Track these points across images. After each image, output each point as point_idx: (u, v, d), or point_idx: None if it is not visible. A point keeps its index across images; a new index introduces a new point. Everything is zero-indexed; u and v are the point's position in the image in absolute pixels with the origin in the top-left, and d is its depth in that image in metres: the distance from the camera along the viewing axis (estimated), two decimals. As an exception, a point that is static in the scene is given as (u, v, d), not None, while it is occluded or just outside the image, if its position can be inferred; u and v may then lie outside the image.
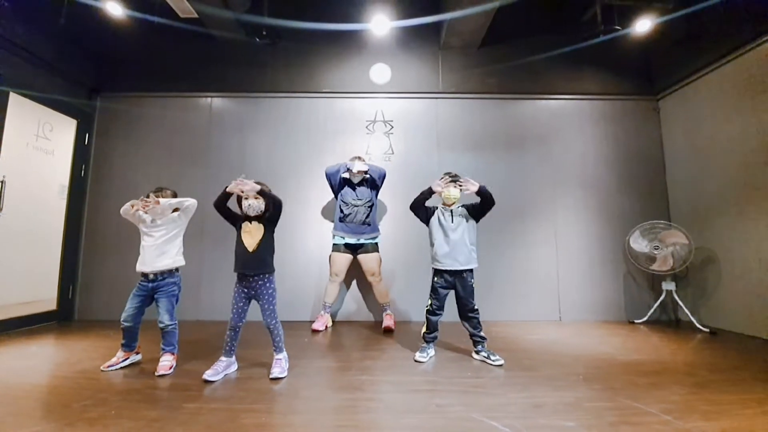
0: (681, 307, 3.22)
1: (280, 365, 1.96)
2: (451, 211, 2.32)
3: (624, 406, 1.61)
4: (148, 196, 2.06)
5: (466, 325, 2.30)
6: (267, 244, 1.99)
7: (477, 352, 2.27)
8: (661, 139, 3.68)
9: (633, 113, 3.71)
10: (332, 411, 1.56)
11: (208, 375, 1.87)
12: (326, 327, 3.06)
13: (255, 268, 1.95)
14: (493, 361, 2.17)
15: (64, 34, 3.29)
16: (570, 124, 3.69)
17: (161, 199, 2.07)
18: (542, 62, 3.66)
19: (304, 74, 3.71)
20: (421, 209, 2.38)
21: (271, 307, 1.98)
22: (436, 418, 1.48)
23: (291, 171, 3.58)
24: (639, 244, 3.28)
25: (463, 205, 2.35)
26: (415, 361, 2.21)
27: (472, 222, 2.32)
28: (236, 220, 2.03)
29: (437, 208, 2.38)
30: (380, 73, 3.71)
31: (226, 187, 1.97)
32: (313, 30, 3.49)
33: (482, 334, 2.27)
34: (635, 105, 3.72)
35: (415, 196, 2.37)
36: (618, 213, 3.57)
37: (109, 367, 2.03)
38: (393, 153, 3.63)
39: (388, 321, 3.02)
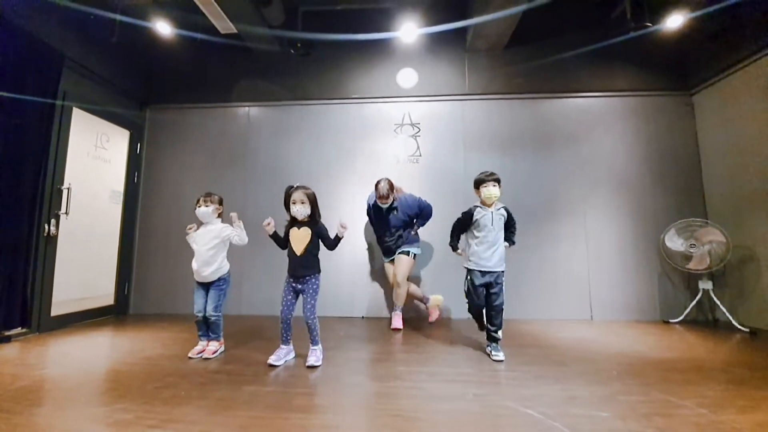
0: (718, 306, 3.15)
1: (315, 354, 2.14)
2: (492, 213, 2.28)
3: (658, 399, 1.65)
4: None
5: (491, 318, 2.30)
6: (313, 248, 2.16)
7: (487, 346, 2.31)
8: (696, 134, 3.59)
9: (665, 109, 3.64)
10: (375, 396, 1.69)
11: (272, 360, 2.10)
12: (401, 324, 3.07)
13: (302, 269, 2.13)
14: (494, 356, 2.20)
15: (117, 52, 3.60)
16: (599, 122, 3.67)
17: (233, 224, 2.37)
18: (570, 60, 3.65)
19: (335, 81, 3.88)
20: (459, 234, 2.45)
21: (313, 302, 2.14)
22: (473, 406, 1.58)
23: (322, 173, 3.75)
24: (674, 242, 3.23)
25: (504, 207, 2.33)
26: (495, 361, 2.18)
27: (503, 225, 2.33)
28: (286, 236, 2.20)
29: (475, 208, 2.33)
30: (407, 77, 3.82)
31: (268, 234, 2.18)
32: (343, 40, 3.65)
33: (499, 334, 2.27)
34: (667, 101, 3.65)
35: (451, 230, 2.47)
36: (651, 211, 3.52)
37: (198, 354, 2.27)
38: (420, 155, 3.74)
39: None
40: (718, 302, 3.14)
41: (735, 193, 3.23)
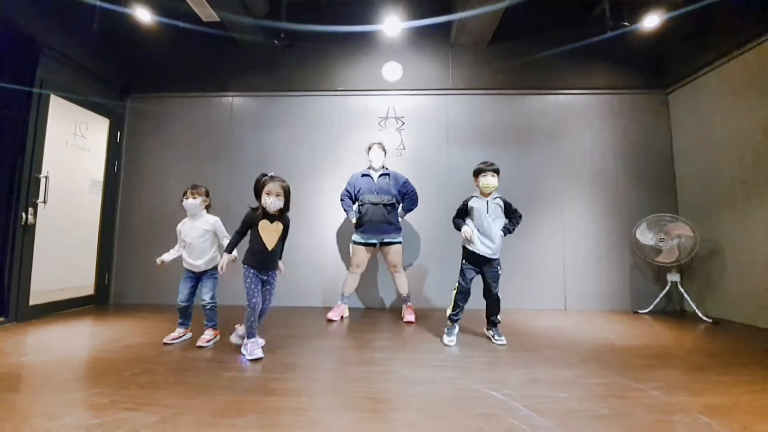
0: (685, 298, 3.30)
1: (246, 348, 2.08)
2: (487, 202, 2.37)
3: (616, 383, 1.75)
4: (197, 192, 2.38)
5: (488, 306, 2.44)
6: (282, 243, 2.18)
7: (487, 329, 2.47)
8: (670, 132, 3.72)
9: (642, 107, 3.76)
10: (350, 380, 1.75)
11: (257, 354, 2.02)
12: (342, 317, 3.07)
13: (272, 264, 2.13)
14: (496, 340, 2.36)
15: (97, 40, 3.53)
16: (578, 118, 3.76)
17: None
18: (551, 58, 3.73)
19: (320, 73, 3.88)
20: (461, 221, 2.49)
21: (273, 291, 2.19)
22: (443, 388, 1.66)
23: (307, 165, 3.77)
24: (645, 236, 3.36)
25: (501, 198, 2.42)
26: (444, 344, 2.31)
27: (503, 216, 2.40)
28: (250, 225, 2.11)
29: (472, 197, 2.43)
30: (392, 71, 3.85)
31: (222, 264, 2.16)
32: (328, 32, 3.64)
33: (498, 318, 2.43)
34: (644, 99, 3.76)
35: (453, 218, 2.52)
36: (625, 206, 3.65)
37: (173, 341, 2.31)
38: (404, 148, 3.78)
39: (409, 315, 3.00)
40: (685, 294, 3.29)
41: (705, 189, 3.37)
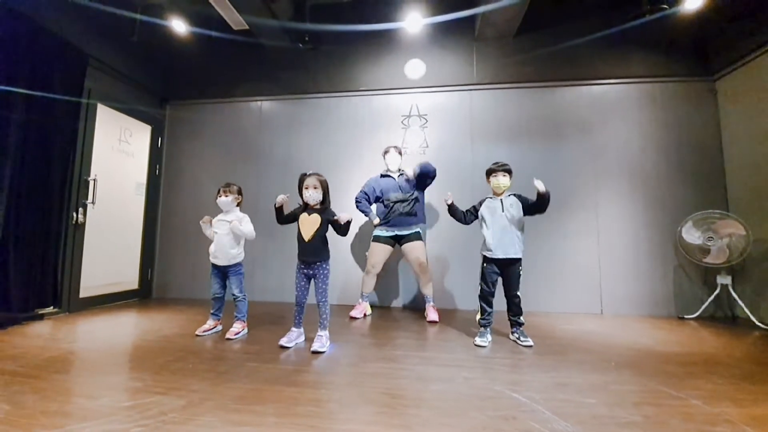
0: (737, 302, 3.02)
1: (320, 341, 2.16)
2: (501, 200, 2.38)
3: (652, 390, 1.63)
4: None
5: (509, 307, 2.39)
6: (321, 234, 2.19)
7: (512, 333, 2.40)
8: (719, 122, 3.42)
9: (686, 96, 3.48)
10: (368, 376, 1.76)
11: (283, 341, 2.19)
12: (365, 315, 3.13)
13: (310, 255, 2.19)
14: (522, 342, 2.28)
15: (137, 51, 3.80)
16: (614, 110, 3.55)
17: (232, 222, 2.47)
18: (582, 47, 3.54)
19: (343, 74, 3.94)
20: (457, 216, 2.53)
21: (324, 286, 2.21)
22: (461, 387, 1.62)
23: (332, 164, 3.83)
24: (691, 235, 3.11)
25: (515, 195, 2.40)
26: (476, 345, 2.27)
27: (521, 213, 2.36)
28: (294, 218, 2.24)
29: (486, 199, 2.46)
30: (414, 68, 3.82)
31: (275, 204, 2.22)
32: (350, 32, 3.69)
33: (521, 319, 2.37)
34: (688, 87, 3.48)
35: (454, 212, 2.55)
36: (668, 203, 3.40)
37: (204, 332, 2.45)
38: (428, 146, 3.75)
39: (432, 314, 2.97)
40: (737, 298, 3.01)
41: (758, 183, 3.07)
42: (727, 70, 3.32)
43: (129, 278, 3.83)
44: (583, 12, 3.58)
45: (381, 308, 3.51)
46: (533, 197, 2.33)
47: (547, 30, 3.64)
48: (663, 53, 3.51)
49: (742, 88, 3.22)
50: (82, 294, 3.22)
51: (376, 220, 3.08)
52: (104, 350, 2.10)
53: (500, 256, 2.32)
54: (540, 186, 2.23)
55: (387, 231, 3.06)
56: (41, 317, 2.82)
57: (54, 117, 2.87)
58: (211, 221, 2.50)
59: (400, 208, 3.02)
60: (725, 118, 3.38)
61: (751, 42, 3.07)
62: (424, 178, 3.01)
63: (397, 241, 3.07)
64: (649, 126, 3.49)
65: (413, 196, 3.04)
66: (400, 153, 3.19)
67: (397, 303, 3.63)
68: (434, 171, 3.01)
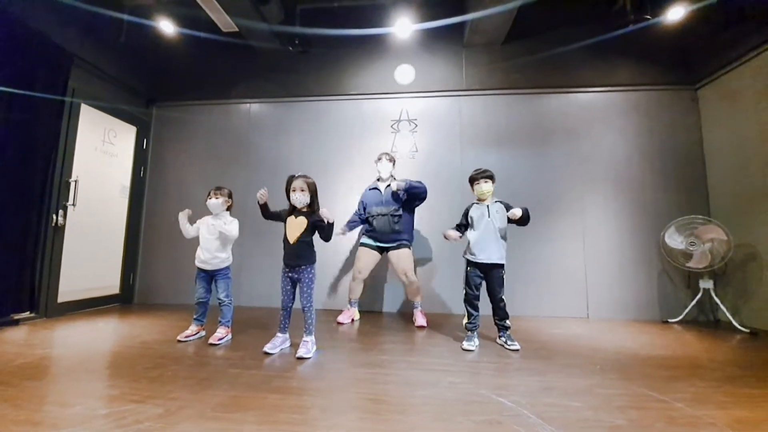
0: (719, 306, 3.07)
1: (306, 346, 2.11)
2: (488, 206, 2.40)
3: (636, 393, 1.63)
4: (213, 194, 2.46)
5: (494, 311, 2.39)
6: (306, 237, 2.16)
7: (499, 338, 2.40)
8: (701, 130, 3.51)
9: (669, 104, 3.57)
10: (353, 381, 1.73)
11: (267, 348, 2.13)
12: (352, 320, 3.09)
13: (295, 258, 2.15)
14: (509, 345, 2.28)
15: (124, 51, 3.74)
16: (599, 117, 3.62)
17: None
18: (569, 55, 3.61)
19: (333, 78, 3.93)
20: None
21: (309, 291, 2.17)
22: (446, 392, 1.61)
23: (321, 168, 3.80)
24: (674, 240, 3.17)
25: (501, 202, 2.42)
26: (463, 349, 2.26)
27: (506, 221, 2.38)
28: (283, 218, 2.21)
29: (472, 205, 2.49)
30: (404, 73, 3.84)
31: (258, 201, 2.18)
32: (340, 36, 3.70)
33: (507, 323, 2.37)
34: (671, 95, 3.57)
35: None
36: (652, 209, 3.46)
37: (186, 338, 2.38)
38: (417, 151, 3.76)
39: (421, 319, 2.95)
40: (719, 302, 3.07)
41: (739, 190, 3.15)
42: (708, 80, 3.41)
43: (110, 283, 3.73)
44: (570, 21, 3.65)
45: (369, 313, 3.47)
46: (517, 205, 2.35)
47: (534, 38, 3.71)
48: (647, 62, 3.60)
49: (722, 97, 3.32)
50: (61, 299, 3.12)
51: (344, 233, 3.12)
52: (81, 357, 2.03)
53: (483, 260, 2.34)
54: (515, 214, 2.28)
55: (373, 241, 3.04)
56: (17, 322, 2.72)
57: (35, 116, 2.80)
58: (189, 215, 2.45)
59: (381, 222, 2.96)
60: (707, 125, 3.47)
61: (732, 52, 3.17)
62: (413, 198, 2.95)
63: (383, 250, 3.05)
64: (634, 133, 3.57)
65: (397, 212, 2.96)
66: (393, 161, 3.13)
67: (386, 308, 3.60)
68: (423, 191, 2.93)
